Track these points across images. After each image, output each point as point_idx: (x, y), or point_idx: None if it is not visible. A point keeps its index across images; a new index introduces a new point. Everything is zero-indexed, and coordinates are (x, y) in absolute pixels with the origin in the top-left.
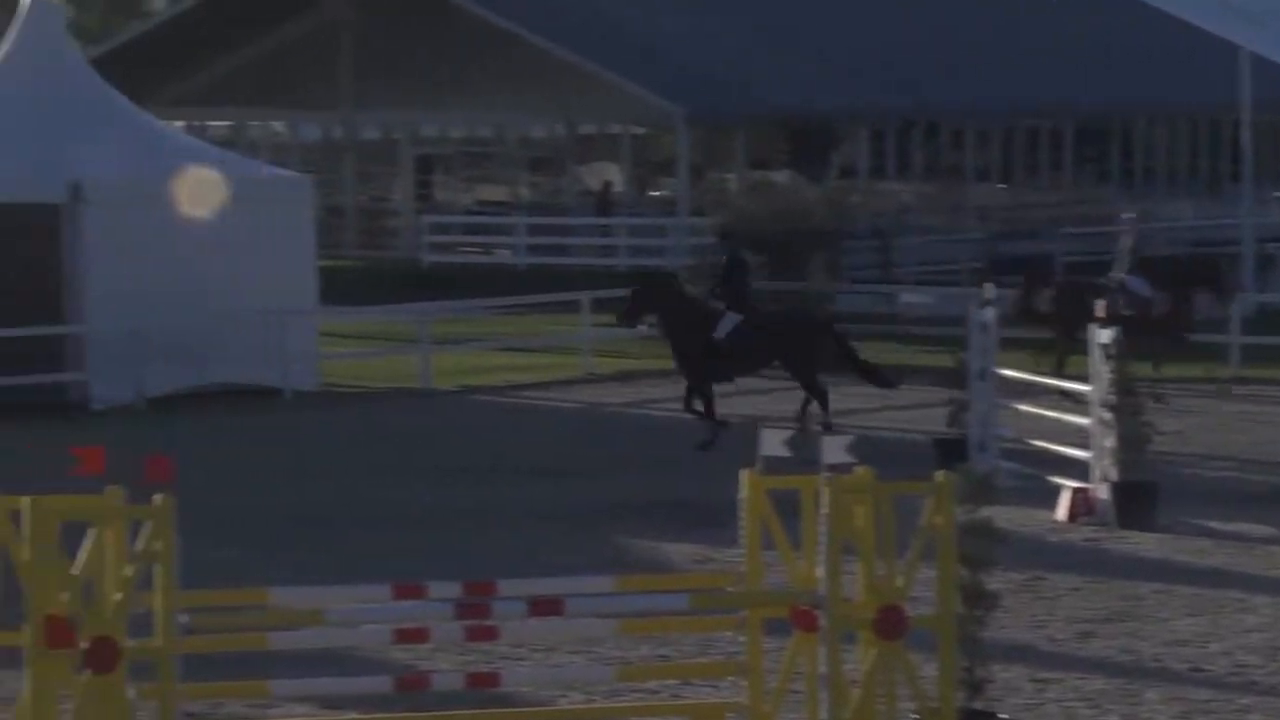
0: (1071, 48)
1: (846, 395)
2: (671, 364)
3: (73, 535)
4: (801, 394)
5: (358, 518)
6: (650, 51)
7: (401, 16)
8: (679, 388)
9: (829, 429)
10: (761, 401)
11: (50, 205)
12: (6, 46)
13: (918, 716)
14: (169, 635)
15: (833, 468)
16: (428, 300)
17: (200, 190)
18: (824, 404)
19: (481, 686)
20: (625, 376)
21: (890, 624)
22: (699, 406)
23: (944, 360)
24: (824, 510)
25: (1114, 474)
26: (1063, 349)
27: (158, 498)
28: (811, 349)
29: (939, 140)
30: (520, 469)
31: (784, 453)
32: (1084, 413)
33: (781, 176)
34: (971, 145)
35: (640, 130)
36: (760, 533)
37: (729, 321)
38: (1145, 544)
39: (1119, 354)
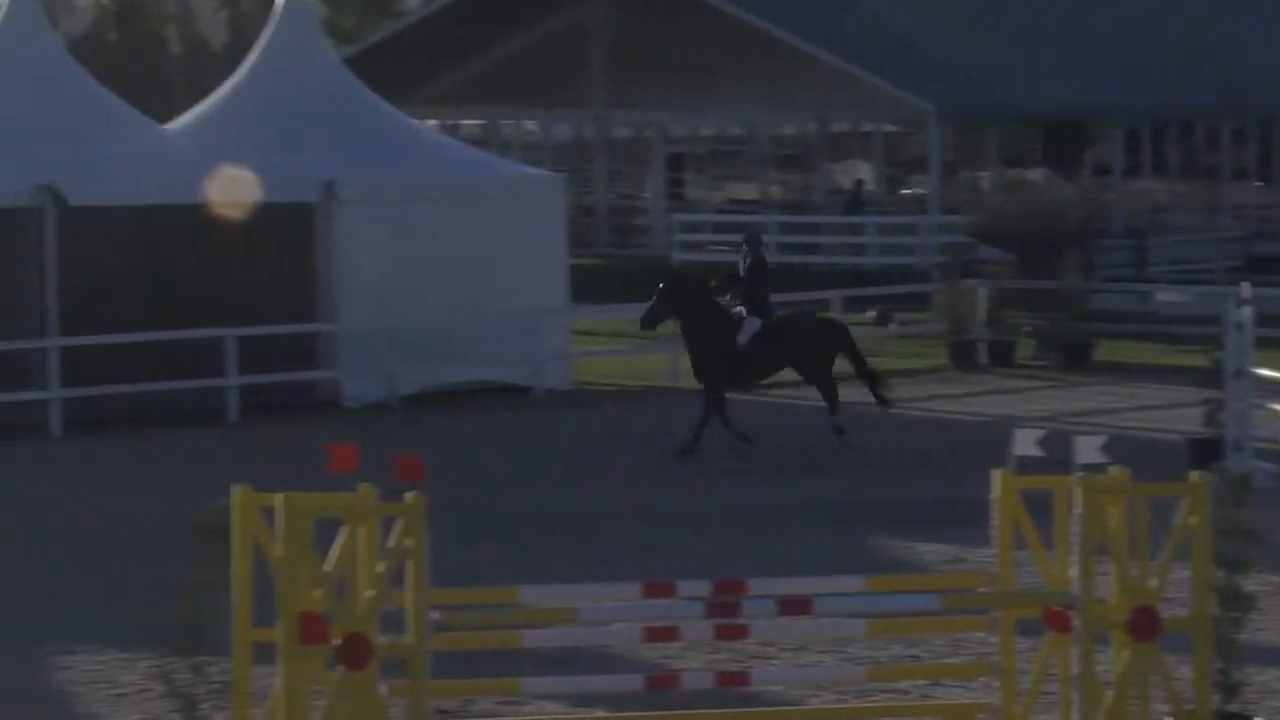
0: None
1: (1100, 394)
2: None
3: (325, 532)
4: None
5: (606, 516)
6: (903, 49)
7: (654, 15)
8: (931, 386)
9: (840, 431)
10: (1012, 400)
11: (304, 205)
12: (261, 46)
13: (1171, 717)
14: (421, 632)
15: (1086, 468)
16: None
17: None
18: (834, 407)
19: (731, 685)
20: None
21: (1144, 625)
22: (716, 414)
23: (1199, 360)
24: (1077, 510)
25: None
26: None
27: (409, 495)
28: (829, 355)
29: (1194, 139)
30: (768, 468)
31: (1037, 452)
32: None
33: (1035, 175)
34: (1227, 144)
35: (892, 128)
36: (1012, 533)
37: (751, 326)
38: None
39: None
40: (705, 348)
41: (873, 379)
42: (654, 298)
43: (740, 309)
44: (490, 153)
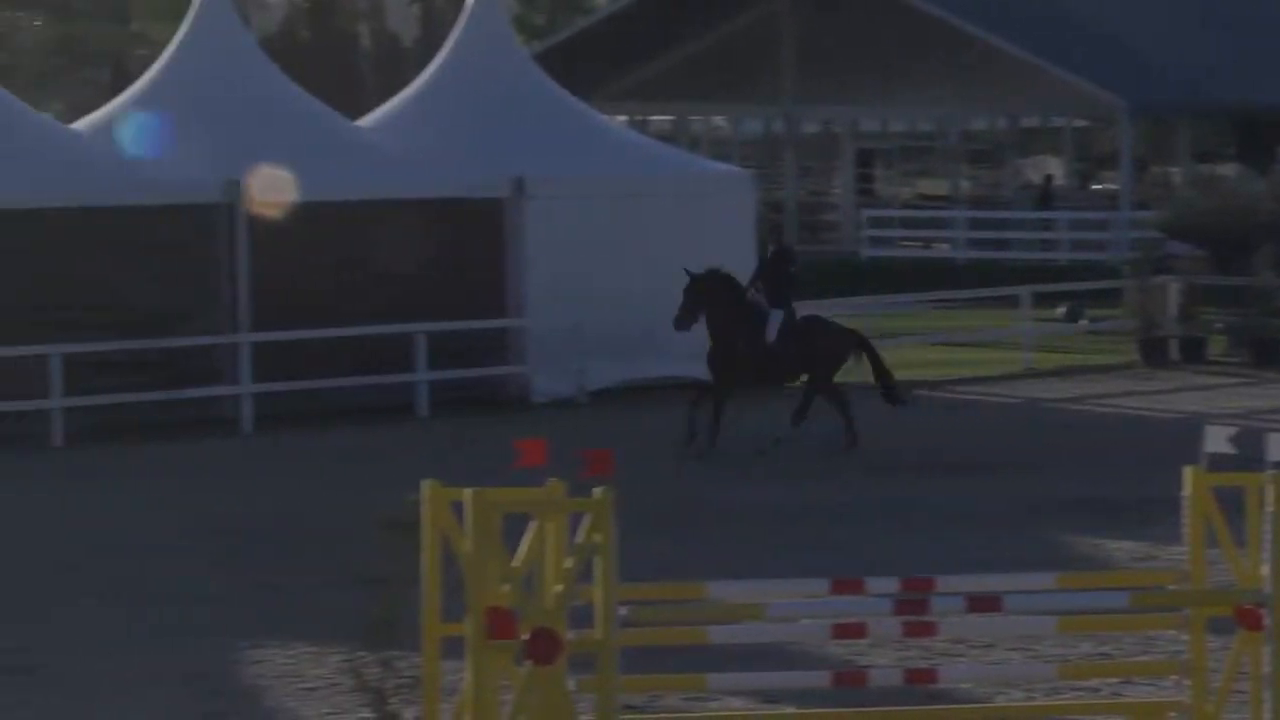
0: None
1: None
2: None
3: (514, 527)
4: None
5: (788, 512)
6: (1093, 44)
7: (842, 10)
8: (1122, 382)
9: (853, 436)
10: (1204, 397)
11: (494, 200)
12: (451, 43)
13: None
14: (608, 627)
15: (1279, 465)
16: (866, 294)
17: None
18: (845, 412)
19: (919, 683)
20: (1066, 372)
21: None
22: (709, 410)
23: None
24: (1269, 508)
25: None
26: None
27: (598, 490)
28: (841, 359)
29: None
30: (958, 465)
31: (1229, 449)
32: None
33: (1227, 170)
34: None
35: (1083, 123)
36: (1204, 530)
37: (775, 319)
38: None
39: None
40: (730, 342)
41: (888, 377)
42: (682, 295)
43: (762, 299)
44: (679, 149)
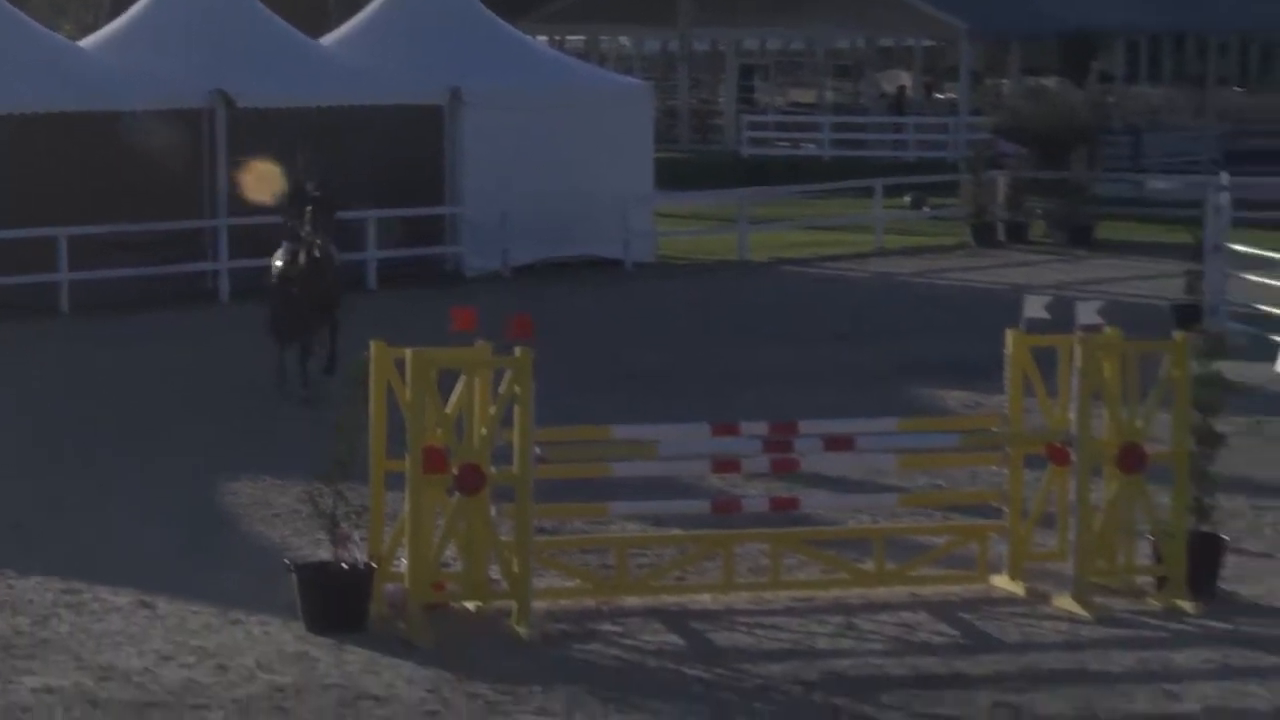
0: None
1: (1099, 267)
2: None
3: (448, 381)
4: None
5: (687, 371)
6: None
7: None
8: (957, 260)
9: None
10: (1025, 272)
11: (435, 107)
12: None
13: (1153, 538)
14: (525, 464)
15: (1085, 328)
16: (746, 187)
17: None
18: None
19: (784, 509)
20: (911, 251)
21: (1132, 459)
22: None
23: (1183, 237)
24: (1077, 364)
25: None
26: None
27: (519, 350)
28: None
29: (1185, 51)
30: (821, 331)
31: (1044, 315)
32: None
33: (1051, 82)
34: (1214, 55)
35: (930, 43)
36: (1022, 383)
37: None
38: None
39: None
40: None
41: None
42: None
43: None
44: (591, 64)
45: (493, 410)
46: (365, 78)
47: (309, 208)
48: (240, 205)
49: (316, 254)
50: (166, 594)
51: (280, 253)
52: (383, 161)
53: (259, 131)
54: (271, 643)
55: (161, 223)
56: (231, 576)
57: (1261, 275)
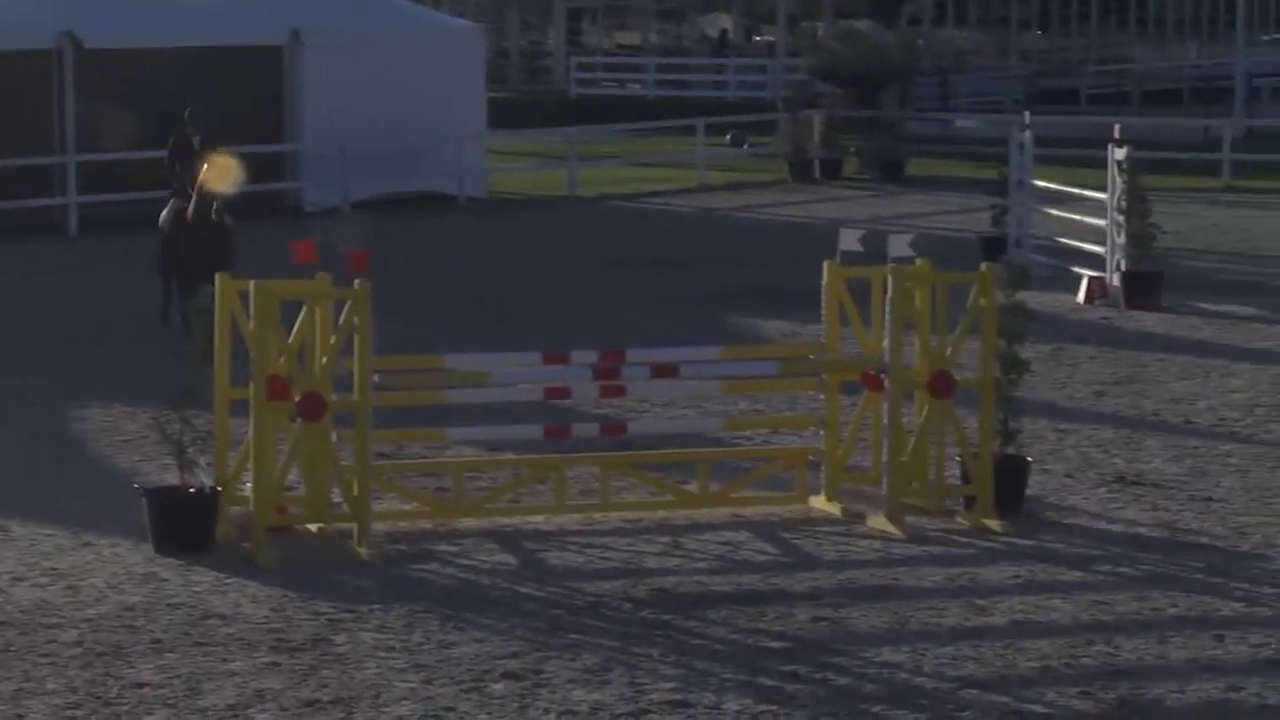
0: None
1: (910, 201)
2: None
3: (290, 312)
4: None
5: (520, 302)
6: None
7: None
8: (776, 195)
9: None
10: (840, 207)
11: (275, 47)
12: None
13: (961, 460)
14: (364, 391)
15: (897, 260)
16: (575, 125)
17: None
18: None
19: (613, 434)
20: (733, 186)
21: (941, 385)
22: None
23: (990, 173)
24: (889, 295)
25: (1124, 265)
26: None
27: (357, 282)
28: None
29: None
30: (647, 262)
31: (858, 248)
32: (1101, 215)
33: (863, 25)
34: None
35: None
36: (838, 312)
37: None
38: (1149, 322)
39: (1131, 167)
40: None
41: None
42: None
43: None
44: (424, 7)
45: (333, 340)
46: (210, 20)
47: (197, 163)
48: (89, 143)
49: (214, 218)
50: (19, 517)
51: (167, 211)
52: (227, 100)
53: (107, 72)
54: (121, 564)
55: (11, 159)
56: (82, 500)
57: (1062, 210)
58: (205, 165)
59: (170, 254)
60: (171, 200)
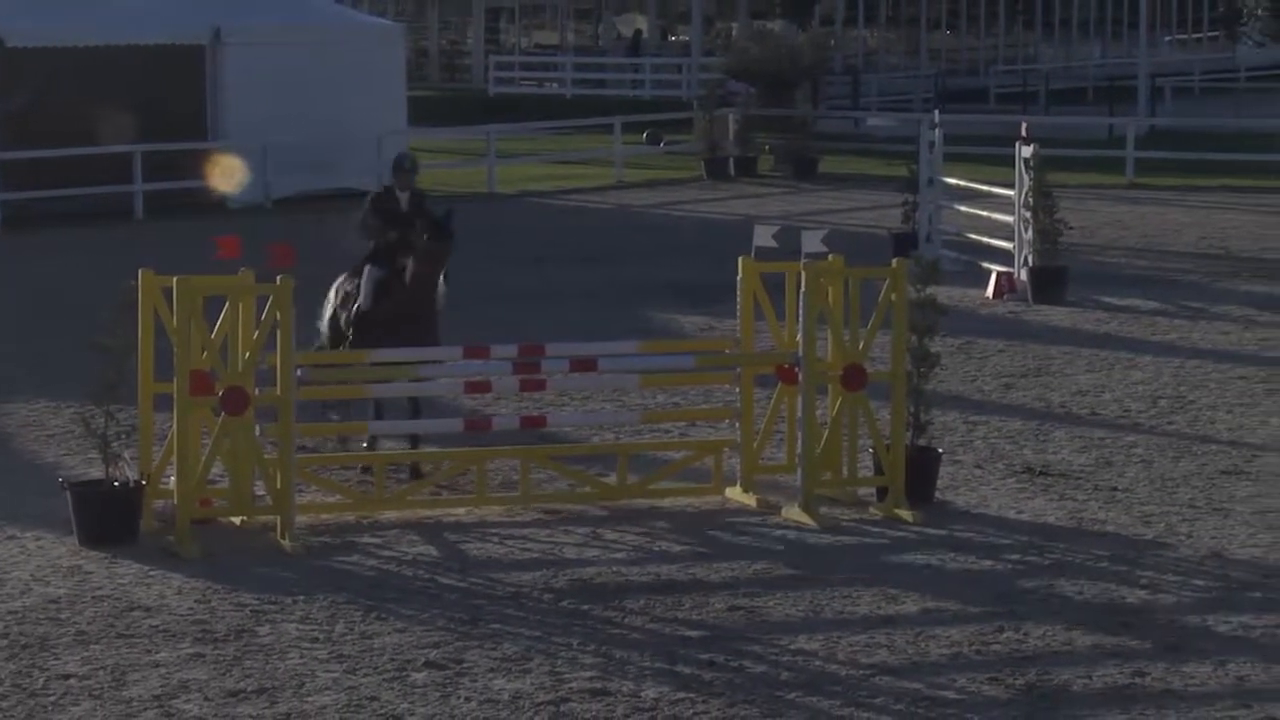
0: None
1: (823, 198)
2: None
3: (213, 308)
4: None
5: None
6: None
7: None
8: (691, 192)
9: None
10: (754, 203)
11: (196, 46)
12: None
13: (874, 451)
14: (287, 386)
15: (810, 256)
16: (493, 123)
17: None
18: None
19: (532, 426)
20: (650, 184)
21: (854, 378)
22: None
23: (900, 170)
24: (803, 290)
25: (1032, 260)
26: None
27: (280, 278)
28: None
29: None
30: (565, 258)
31: (772, 244)
32: (1009, 212)
33: (776, 25)
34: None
35: None
36: (753, 307)
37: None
38: (1055, 316)
39: (1038, 164)
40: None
41: None
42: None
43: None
44: (345, 6)
45: (256, 335)
46: (131, 18)
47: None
48: (11, 140)
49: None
50: None
51: (365, 282)
52: (148, 98)
53: (28, 70)
54: (46, 557)
55: None
56: (6, 494)
57: (971, 206)
58: (420, 233)
59: (368, 332)
60: (368, 269)
